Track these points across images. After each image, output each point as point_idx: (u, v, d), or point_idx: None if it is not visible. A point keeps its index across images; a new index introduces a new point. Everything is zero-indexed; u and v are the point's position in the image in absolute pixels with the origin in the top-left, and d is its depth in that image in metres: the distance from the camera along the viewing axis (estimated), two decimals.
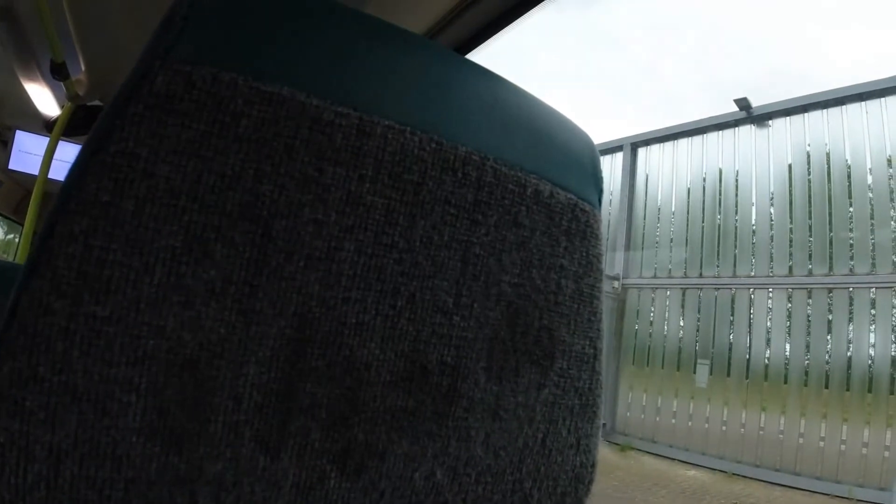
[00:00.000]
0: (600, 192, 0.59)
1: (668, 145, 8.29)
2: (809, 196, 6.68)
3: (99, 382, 0.34)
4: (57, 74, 2.12)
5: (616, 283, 8.29)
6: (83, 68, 2.17)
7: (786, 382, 6.55)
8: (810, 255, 6.59)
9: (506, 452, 0.49)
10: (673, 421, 7.41)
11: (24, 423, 0.32)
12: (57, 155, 2.58)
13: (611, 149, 8.91)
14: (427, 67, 0.46)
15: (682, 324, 7.78)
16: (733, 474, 6.38)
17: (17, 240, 6.24)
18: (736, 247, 7.29)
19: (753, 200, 7.26)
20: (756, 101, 7.20)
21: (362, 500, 0.42)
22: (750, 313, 7.08)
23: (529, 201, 0.50)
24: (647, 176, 8.52)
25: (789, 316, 6.71)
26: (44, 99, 2.79)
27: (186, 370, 0.36)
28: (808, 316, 6.49)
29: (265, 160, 0.38)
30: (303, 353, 0.39)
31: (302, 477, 0.39)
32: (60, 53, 2.02)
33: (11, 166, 3.29)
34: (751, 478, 6.28)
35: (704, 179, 7.82)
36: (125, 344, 0.34)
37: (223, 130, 0.37)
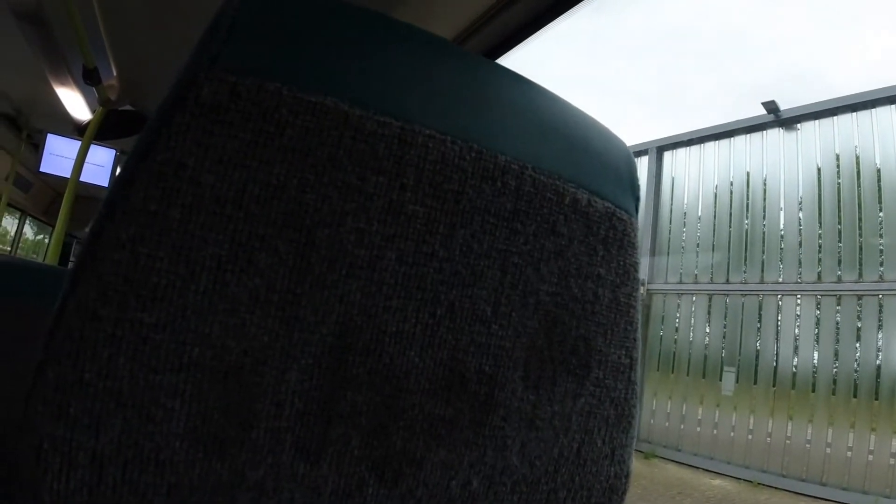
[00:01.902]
0: (637, 199, 0.58)
1: (695, 149, 8.20)
2: (839, 201, 6.55)
3: (144, 388, 0.34)
4: (89, 79, 2.20)
5: (641, 289, 8.18)
6: (115, 73, 2.24)
7: (813, 391, 6.42)
8: (839, 262, 6.45)
9: (541, 462, 0.48)
10: (698, 429, 7.30)
11: (68, 429, 0.33)
12: (88, 158, 2.66)
13: (636, 153, 8.82)
14: (464, 74, 0.47)
15: (708, 330, 7.67)
16: (759, 483, 6.28)
17: (46, 241, 6.43)
18: (764, 252, 7.18)
19: (782, 205, 7.14)
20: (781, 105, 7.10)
21: None
22: (777, 320, 6.95)
23: (567, 210, 0.50)
24: (672, 180, 8.43)
25: (818, 323, 6.57)
26: (75, 103, 2.87)
27: (230, 377, 0.36)
28: (837, 323, 6.34)
29: (309, 169, 0.38)
30: (344, 360, 0.39)
31: (341, 484, 0.39)
32: (92, 59, 2.08)
33: (42, 169, 3.39)
34: (777, 487, 6.17)
35: (732, 184, 7.71)
36: (171, 351, 0.35)
37: (268, 140, 0.37)
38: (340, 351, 0.39)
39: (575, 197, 0.50)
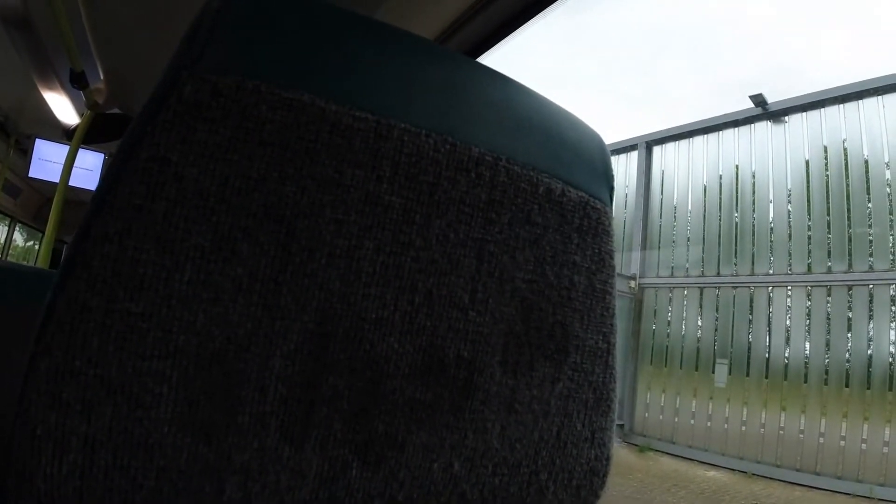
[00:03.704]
0: (611, 189, 0.60)
1: (684, 143, 8.26)
2: (827, 192, 6.61)
3: (132, 375, 0.35)
4: (76, 83, 2.17)
5: (633, 283, 8.25)
6: (102, 77, 2.21)
7: (806, 381, 6.48)
8: (829, 252, 6.53)
9: (521, 445, 0.50)
10: (692, 421, 7.35)
11: (61, 416, 0.34)
12: (77, 163, 2.63)
13: (625, 148, 8.89)
14: (440, 71, 0.48)
15: (700, 323, 7.72)
16: (753, 474, 6.33)
17: (36, 247, 6.38)
18: (754, 245, 7.24)
19: (771, 197, 7.21)
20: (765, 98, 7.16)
21: (383, 490, 0.43)
22: (769, 312, 7.01)
23: (542, 200, 0.51)
24: (662, 174, 8.49)
25: (808, 314, 6.64)
26: (62, 107, 2.83)
27: (215, 363, 0.37)
28: (828, 314, 6.42)
29: (288, 163, 0.40)
30: (325, 346, 0.41)
31: (325, 467, 0.41)
32: (80, 62, 2.06)
33: (31, 174, 3.34)
34: (771, 478, 6.22)
35: (721, 177, 7.77)
36: (158, 338, 0.36)
37: (248, 135, 0.39)
38: (321, 337, 0.40)
39: (549, 187, 0.52)
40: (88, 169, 3.27)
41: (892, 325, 5.81)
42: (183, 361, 0.36)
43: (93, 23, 1.77)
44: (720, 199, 7.71)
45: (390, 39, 0.47)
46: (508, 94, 0.52)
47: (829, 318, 6.41)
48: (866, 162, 6.31)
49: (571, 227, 0.53)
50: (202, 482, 0.37)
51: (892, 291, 5.86)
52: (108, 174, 0.38)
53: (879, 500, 5.32)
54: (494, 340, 0.48)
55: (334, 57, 0.43)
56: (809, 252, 6.70)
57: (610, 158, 0.60)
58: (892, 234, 5.97)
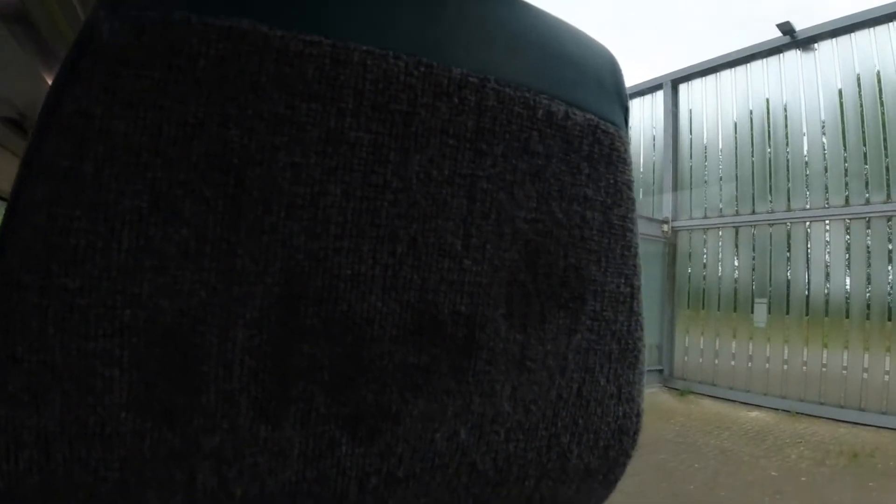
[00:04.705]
0: (626, 110, 0.52)
1: (711, 79, 7.97)
2: (862, 122, 6.35)
3: (78, 358, 0.32)
4: None
5: (665, 227, 8.12)
6: None
7: (847, 317, 6.37)
8: (867, 184, 6.31)
9: (537, 406, 0.45)
10: (732, 363, 7.33)
11: (10, 408, 0.31)
12: None
13: (650, 88, 8.63)
14: None
15: (736, 263, 7.60)
16: (797, 413, 6.30)
17: None
18: (789, 180, 7.03)
19: (804, 130, 6.94)
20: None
21: (380, 466, 0.39)
22: (807, 248, 6.86)
23: (542, 125, 0.44)
24: (690, 113, 8.23)
25: (848, 248, 6.47)
26: None
27: (169, 339, 0.33)
28: (868, 247, 6.24)
29: (229, 103, 0.34)
30: (295, 311, 0.36)
31: (309, 445, 0.37)
32: None
33: None
34: (815, 416, 6.19)
35: (751, 112, 7.51)
36: (100, 315, 0.32)
37: (180, 76, 0.34)
38: (290, 301, 0.36)
39: (550, 110, 0.45)
40: None
41: None
42: (132, 339, 0.33)
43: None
44: (751, 134, 7.47)
45: None
46: (492, 5, 0.45)
47: (868, 251, 6.25)
48: None
49: (580, 156, 0.46)
50: (170, 470, 0.34)
51: None
52: (35, 133, 0.34)
53: None
54: (496, 291, 0.43)
55: None
56: (846, 184, 6.48)
57: (622, 76, 0.53)
58: None
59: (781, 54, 7.16)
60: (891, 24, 6.09)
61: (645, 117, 8.81)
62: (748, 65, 7.55)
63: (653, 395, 7.41)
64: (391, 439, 0.39)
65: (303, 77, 0.36)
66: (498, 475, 0.44)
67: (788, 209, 7.03)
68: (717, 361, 7.55)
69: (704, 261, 7.95)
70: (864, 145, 6.33)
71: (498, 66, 0.43)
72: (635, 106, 8.99)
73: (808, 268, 6.83)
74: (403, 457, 0.40)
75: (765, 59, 7.36)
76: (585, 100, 0.47)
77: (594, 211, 0.47)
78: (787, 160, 7.07)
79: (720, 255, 7.79)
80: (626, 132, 0.51)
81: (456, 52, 0.41)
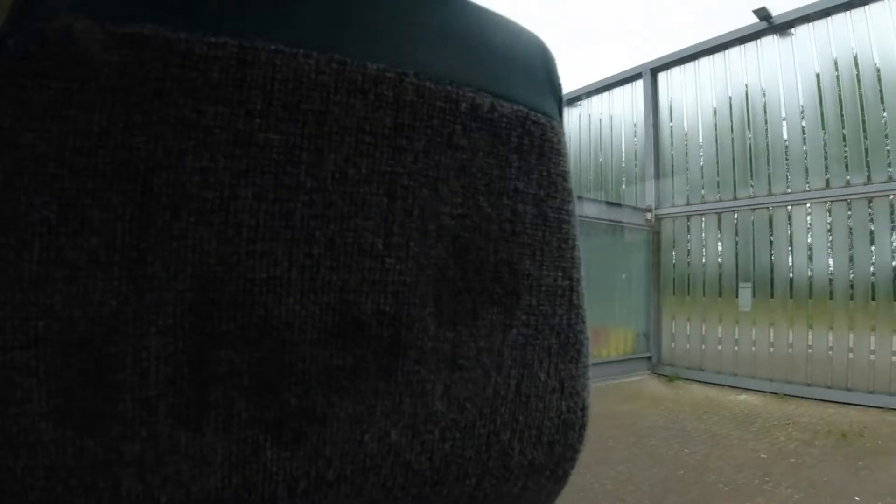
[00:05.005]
0: (559, 100, 0.51)
1: (689, 67, 8.03)
2: (840, 105, 6.42)
3: None
4: None
5: (649, 215, 8.18)
6: None
7: (831, 298, 6.46)
8: (847, 166, 6.38)
9: (472, 404, 0.44)
10: (719, 347, 7.41)
11: None
12: None
13: (629, 77, 8.68)
14: None
15: (720, 249, 7.69)
16: (784, 395, 6.39)
17: None
18: (769, 164, 7.11)
19: (783, 115, 7.02)
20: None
21: (308, 469, 0.39)
22: (789, 231, 6.94)
23: (466, 118, 0.44)
24: (670, 101, 8.29)
25: (830, 230, 6.56)
26: None
27: (84, 349, 0.33)
28: (850, 228, 6.31)
29: (134, 109, 0.34)
30: (209, 317, 0.36)
31: (233, 451, 0.36)
32: None
33: None
34: (803, 397, 6.28)
35: (731, 98, 7.57)
36: (15, 327, 0.32)
37: (83, 85, 0.34)
38: (203, 307, 0.36)
39: (474, 102, 0.44)
40: None
41: None
42: (47, 350, 0.33)
43: None
44: (731, 121, 7.54)
45: None
46: None
47: (850, 232, 6.31)
48: (878, 70, 6.08)
49: (508, 148, 0.46)
50: (95, 478, 0.34)
51: None
52: None
53: None
54: (422, 289, 0.42)
55: None
56: (826, 167, 6.54)
57: (555, 65, 0.52)
58: None
59: (759, 40, 7.23)
60: (866, 6, 6.15)
61: (626, 107, 8.87)
62: (726, 51, 7.61)
63: (642, 382, 7.48)
64: (318, 442, 0.39)
65: (208, 80, 0.36)
66: (436, 474, 0.44)
67: (770, 194, 7.10)
68: (704, 346, 7.63)
69: (689, 247, 8.01)
70: (843, 128, 6.40)
71: (418, 60, 0.42)
72: (616, 96, 9.04)
73: (791, 251, 6.91)
74: (332, 459, 0.39)
75: (742, 46, 7.43)
76: (513, 91, 0.47)
77: (526, 204, 0.47)
78: (768, 145, 7.14)
79: (704, 242, 7.87)
80: (560, 122, 0.51)
81: (372, 47, 0.41)
